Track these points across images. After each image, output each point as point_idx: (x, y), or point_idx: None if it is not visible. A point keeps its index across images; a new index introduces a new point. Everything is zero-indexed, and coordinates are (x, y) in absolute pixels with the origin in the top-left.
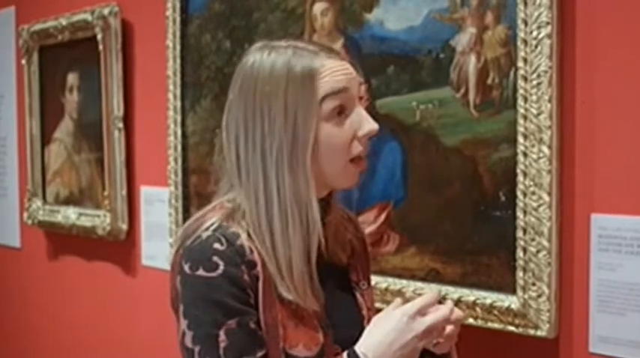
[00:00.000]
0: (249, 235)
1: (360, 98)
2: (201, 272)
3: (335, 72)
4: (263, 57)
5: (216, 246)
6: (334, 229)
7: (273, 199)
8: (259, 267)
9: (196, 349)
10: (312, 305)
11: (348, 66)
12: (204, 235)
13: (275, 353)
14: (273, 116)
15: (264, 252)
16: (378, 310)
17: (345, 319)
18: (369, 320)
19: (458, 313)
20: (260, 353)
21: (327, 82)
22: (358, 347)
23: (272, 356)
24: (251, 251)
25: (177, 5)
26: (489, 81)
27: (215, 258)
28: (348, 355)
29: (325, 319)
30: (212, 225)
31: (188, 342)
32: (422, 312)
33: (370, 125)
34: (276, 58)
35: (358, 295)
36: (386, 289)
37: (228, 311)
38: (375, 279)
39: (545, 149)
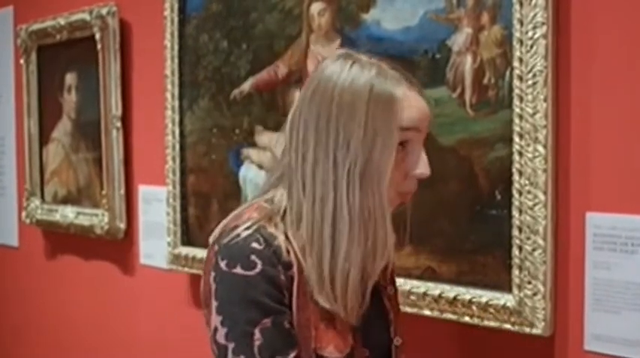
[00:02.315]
0: (286, 237)
1: (426, 138)
2: (238, 270)
3: (412, 107)
4: (345, 66)
5: (255, 245)
6: None
7: (342, 210)
8: (294, 268)
9: (230, 346)
10: (351, 320)
11: (425, 103)
12: (243, 234)
13: (306, 354)
14: (351, 129)
15: (316, 259)
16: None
17: (373, 323)
18: (394, 325)
19: None
20: (292, 354)
21: (403, 115)
22: None
23: (303, 357)
24: (288, 252)
25: (175, 5)
26: (485, 81)
27: (253, 257)
28: None
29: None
30: (252, 224)
31: (221, 338)
32: None
33: (424, 169)
34: (359, 73)
35: (385, 299)
36: None
37: (264, 310)
38: None
39: (540, 148)
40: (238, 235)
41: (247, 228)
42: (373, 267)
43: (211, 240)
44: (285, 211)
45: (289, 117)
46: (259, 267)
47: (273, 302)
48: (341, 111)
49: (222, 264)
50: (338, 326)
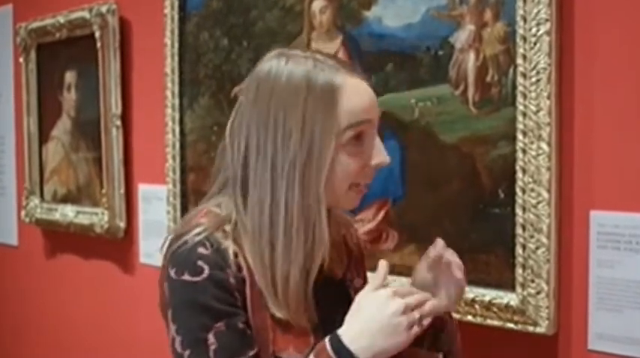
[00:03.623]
0: (234, 241)
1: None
2: (186, 276)
3: (356, 95)
4: (280, 64)
5: (201, 250)
6: (331, 243)
7: (279, 213)
8: (245, 271)
9: (186, 353)
10: (302, 323)
11: (370, 89)
12: (191, 241)
13: (265, 356)
14: (289, 128)
15: (259, 266)
16: None
17: (339, 318)
18: None
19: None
20: (251, 353)
21: (349, 107)
22: (342, 333)
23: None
24: (235, 255)
25: (175, 3)
26: (488, 78)
27: (200, 263)
28: (330, 340)
29: (316, 320)
30: (202, 231)
31: (178, 347)
32: (400, 294)
33: (382, 157)
34: (295, 67)
35: (352, 293)
36: None
37: (215, 314)
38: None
39: (544, 146)
40: (186, 242)
41: (197, 235)
42: (313, 266)
43: (162, 249)
44: (236, 221)
45: (229, 123)
46: (206, 271)
47: (224, 305)
48: (279, 111)
49: (172, 272)
50: (297, 327)
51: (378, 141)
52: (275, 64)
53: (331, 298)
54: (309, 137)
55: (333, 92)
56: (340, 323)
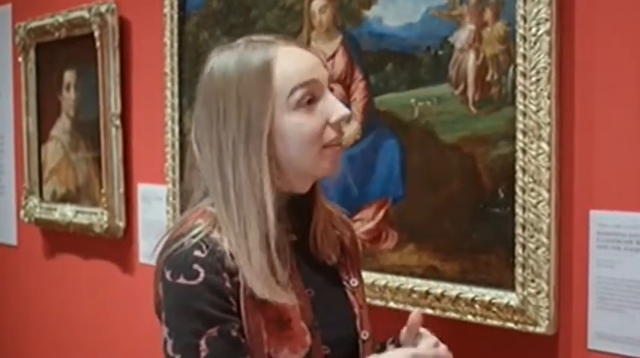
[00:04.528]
0: (230, 241)
1: (331, 89)
2: (181, 280)
3: (293, 59)
4: (220, 58)
5: (197, 253)
6: (323, 227)
7: (230, 192)
8: (240, 274)
9: (177, 357)
10: (281, 299)
11: (310, 53)
12: (188, 243)
13: None
14: (227, 110)
15: (235, 252)
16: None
17: (336, 318)
18: (360, 319)
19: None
20: None
21: (289, 70)
22: None
23: None
24: (232, 257)
25: (175, 2)
26: (488, 77)
27: (196, 266)
28: None
29: (313, 320)
30: (198, 233)
31: (169, 350)
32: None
33: (341, 111)
34: (230, 56)
35: (349, 293)
36: (385, 286)
37: (208, 320)
38: (373, 276)
39: (544, 146)
40: (182, 244)
41: (193, 237)
42: (269, 231)
43: (159, 249)
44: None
45: (192, 131)
46: (202, 275)
47: (218, 312)
48: (219, 98)
49: (168, 275)
50: (294, 327)
51: (332, 98)
52: (215, 60)
53: (323, 280)
54: (247, 111)
55: (267, 65)
56: (334, 312)
